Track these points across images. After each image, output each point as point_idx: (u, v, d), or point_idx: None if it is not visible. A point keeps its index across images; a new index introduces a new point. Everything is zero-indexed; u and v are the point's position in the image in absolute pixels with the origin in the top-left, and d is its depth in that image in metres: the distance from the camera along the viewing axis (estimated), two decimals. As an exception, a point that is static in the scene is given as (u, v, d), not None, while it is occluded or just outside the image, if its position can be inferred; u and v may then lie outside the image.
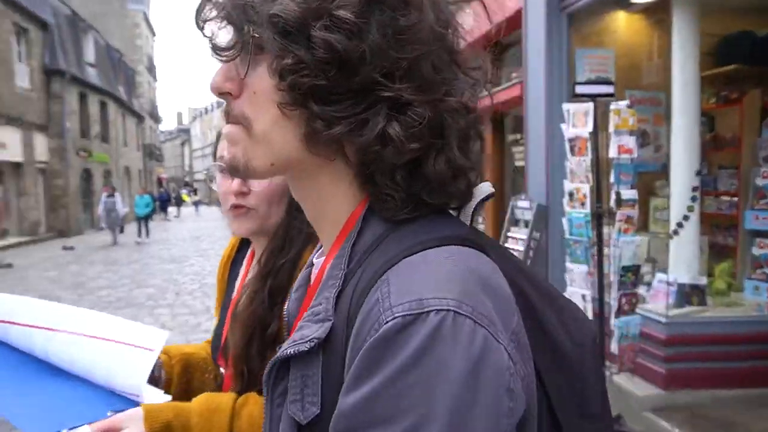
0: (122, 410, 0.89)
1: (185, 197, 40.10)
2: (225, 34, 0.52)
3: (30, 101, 17.64)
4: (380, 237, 0.52)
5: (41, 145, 18.40)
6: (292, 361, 0.51)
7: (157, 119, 42.52)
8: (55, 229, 18.77)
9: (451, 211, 0.57)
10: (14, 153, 16.56)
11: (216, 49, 0.52)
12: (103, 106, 24.19)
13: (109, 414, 0.89)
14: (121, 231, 16.53)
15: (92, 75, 22.77)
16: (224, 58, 0.52)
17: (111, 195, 15.57)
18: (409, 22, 0.50)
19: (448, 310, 0.43)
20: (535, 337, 0.52)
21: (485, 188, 0.58)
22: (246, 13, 0.50)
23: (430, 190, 0.52)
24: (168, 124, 65.96)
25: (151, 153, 36.52)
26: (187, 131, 74.67)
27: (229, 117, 0.54)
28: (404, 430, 0.41)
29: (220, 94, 0.54)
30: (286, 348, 0.51)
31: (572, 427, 0.53)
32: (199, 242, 16.12)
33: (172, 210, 31.31)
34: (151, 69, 40.05)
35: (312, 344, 0.49)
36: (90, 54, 22.95)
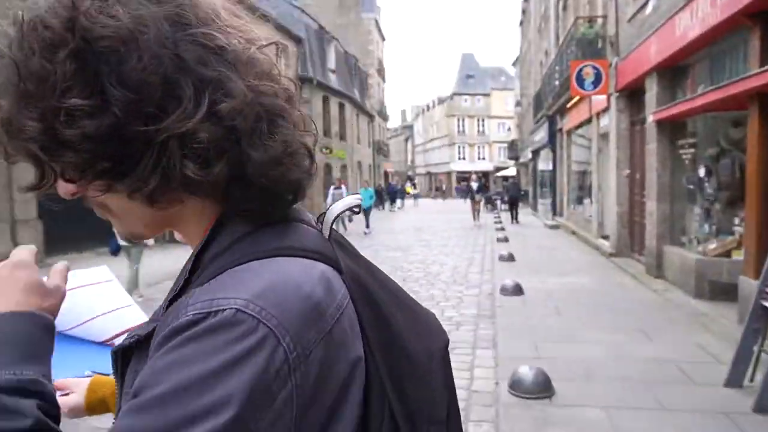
0: (100, 373, 0.88)
1: (409, 189, 42.76)
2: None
3: (287, 106, 20.73)
4: (224, 248, 0.54)
5: (294, 143, 21.50)
6: (132, 356, 0.55)
7: (385, 117, 46.08)
8: (303, 216, 21.84)
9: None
10: (275, 151, 19.71)
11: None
12: (341, 107, 27.12)
13: (86, 374, 0.89)
14: (350, 220, 17.62)
15: (333, 80, 25.69)
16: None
17: (339, 187, 16.80)
18: (133, 65, 0.48)
19: (231, 309, 0.46)
20: (385, 348, 0.54)
21: (349, 201, 0.61)
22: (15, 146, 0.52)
23: (261, 204, 0.54)
24: (393, 121, 70.94)
25: (380, 149, 39.76)
26: (410, 128, 79.24)
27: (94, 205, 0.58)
28: (158, 401, 0.43)
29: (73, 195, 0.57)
30: (120, 342, 0.57)
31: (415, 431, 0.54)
32: (421, 233, 17.02)
33: (397, 202, 33.66)
34: (380, 71, 43.55)
35: (132, 340, 0.54)
36: (332, 61, 25.92)
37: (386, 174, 43.69)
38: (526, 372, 3.76)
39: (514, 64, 44.18)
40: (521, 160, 35.25)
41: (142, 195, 0.52)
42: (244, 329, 0.45)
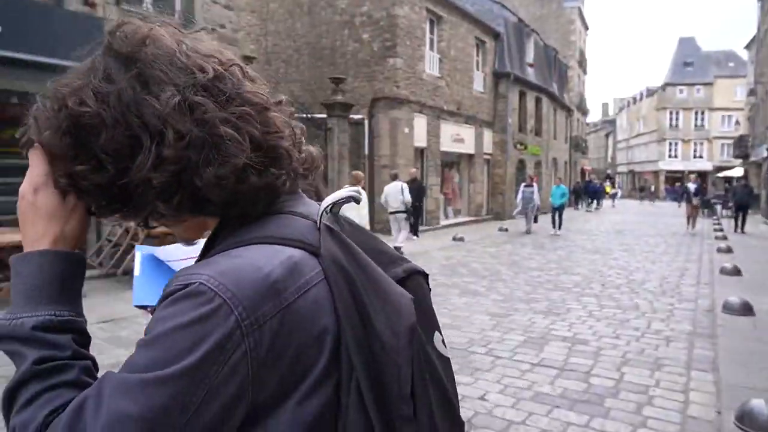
0: None
1: (608, 189, 39.61)
2: None
3: (482, 102, 20.71)
4: (221, 242, 0.68)
5: (488, 139, 21.42)
6: None
7: (584, 111, 43.20)
8: (493, 212, 21.66)
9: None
10: (469, 146, 19.90)
11: None
12: (537, 102, 26.18)
13: None
14: (535, 221, 16.62)
15: (531, 74, 24.90)
16: None
17: (529, 185, 16.02)
18: (107, 136, 0.63)
19: (197, 282, 0.59)
20: (354, 324, 0.62)
21: (343, 193, 0.68)
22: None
23: (244, 206, 0.67)
24: (594, 116, 66.20)
25: (577, 145, 37.46)
26: (612, 122, 73.17)
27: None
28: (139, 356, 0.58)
29: None
30: None
31: (384, 408, 0.61)
32: (622, 236, 15.67)
33: (595, 202, 31.45)
34: (581, 63, 40.89)
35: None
36: (530, 55, 25.13)
37: (583, 171, 40.99)
38: (761, 406, 3.24)
39: (747, 47, 37.79)
40: (752, 158, 30.10)
41: (158, 219, 0.70)
42: (203, 299, 0.57)
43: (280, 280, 0.60)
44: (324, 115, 13.49)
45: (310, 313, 0.61)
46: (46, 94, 0.67)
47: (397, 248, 9.09)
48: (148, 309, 1.09)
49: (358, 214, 8.71)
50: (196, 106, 0.63)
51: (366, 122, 14.52)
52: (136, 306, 1.14)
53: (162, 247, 1.26)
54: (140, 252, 1.27)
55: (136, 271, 1.28)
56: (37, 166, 0.68)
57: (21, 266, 0.68)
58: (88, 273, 3.33)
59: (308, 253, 0.65)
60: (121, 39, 0.66)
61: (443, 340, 0.74)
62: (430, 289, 0.77)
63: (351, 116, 13.88)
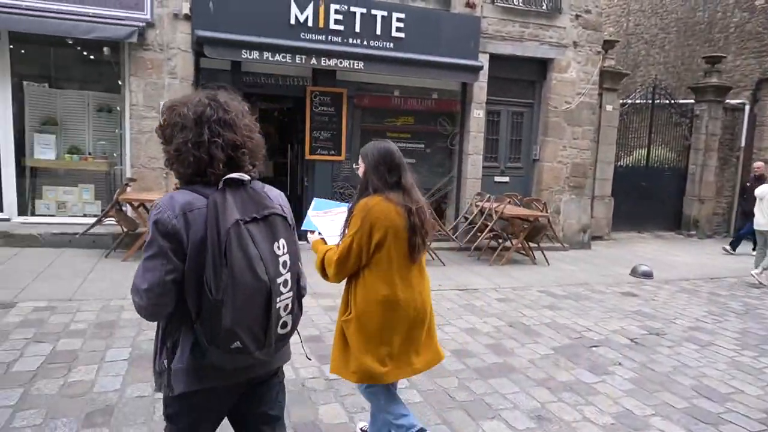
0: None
1: None
2: None
3: None
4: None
5: None
6: None
7: None
8: None
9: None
10: None
11: None
12: None
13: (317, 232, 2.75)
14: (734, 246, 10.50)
15: None
16: None
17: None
18: (175, 141, 1.68)
19: (157, 202, 1.66)
20: (212, 235, 1.57)
21: (235, 175, 1.65)
22: None
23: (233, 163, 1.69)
24: None
25: None
26: None
27: None
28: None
29: None
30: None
31: (214, 262, 1.56)
32: None
33: None
34: None
35: None
36: None
37: None
38: None
39: None
40: None
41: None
42: (155, 209, 1.62)
43: (181, 204, 1.62)
44: (690, 101, 11.92)
45: (193, 221, 1.60)
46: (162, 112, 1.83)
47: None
48: (309, 232, 2.73)
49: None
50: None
51: (746, 108, 12.19)
52: (303, 229, 2.51)
53: (321, 198, 2.91)
54: (315, 200, 2.89)
55: (309, 211, 2.79)
56: None
57: None
58: (445, 245, 6.27)
59: (203, 197, 1.64)
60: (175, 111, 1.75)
61: (281, 248, 1.68)
62: (290, 224, 1.76)
63: (727, 101, 11.86)
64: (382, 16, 7.84)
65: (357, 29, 7.75)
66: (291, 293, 1.69)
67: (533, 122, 9.48)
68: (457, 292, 6.23)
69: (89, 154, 7.75)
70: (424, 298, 2.59)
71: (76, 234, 6.92)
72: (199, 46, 7.15)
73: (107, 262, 6.47)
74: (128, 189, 7.01)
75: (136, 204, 6.76)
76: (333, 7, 7.62)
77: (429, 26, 8.11)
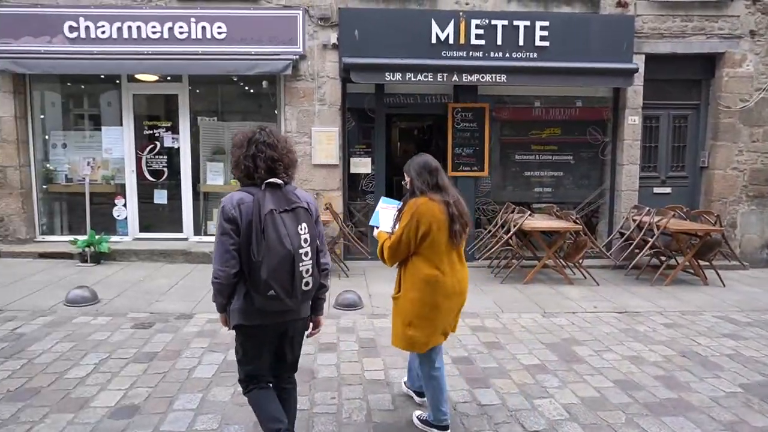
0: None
1: None
2: None
3: None
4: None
5: None
6: None
7: None
8: None
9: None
10: None
11: None
12: None
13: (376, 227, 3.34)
14: None
15: None
16: None
17: None
18: (235, 155, 2.57)
19: (223, 200, 2.52)
20: (254, 215, 2.40)
21: (272, 180, 2.47)
22: None
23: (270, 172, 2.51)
24: None
25: None
26: None
27: None
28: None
29: None
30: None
31: (258, 237, 2.37)
32: None
33: None
34: None
35: None
36: None
37: None
38: None
39: None
40: None
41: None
42: (222, 203, 2.48)
43: (239, 200, 2.44)
44: None
45: (246, 210, 2.40)
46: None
47: None
48: (375, 227, 3.26)
49: None
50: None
51: None
52: (370, 225, 3.39)
53: (387, 197, 3.43)
54: (381, 200, 3.39)
55: (378, 208, 3.32)
56: None
57: None
58: (597, 263, 5.84)
59: (252, 195, 2.44)
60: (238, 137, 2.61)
61: (303, 229, 2.43)
62: (311, 214, 2.52)
63: None
64: (525, 27, 7.60)
65: (499, 42, 7.60)
66: (311, 261, 2.47)
67: (699, 125, 8.48)
68: (616, 315, 5.72)
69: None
70: (461, 281, 3.09)
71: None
72: (345, 73, 7.52)
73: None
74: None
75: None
76: (474, 22, 7.56)
77: (575, 31, 7.69)
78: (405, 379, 3.71)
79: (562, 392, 3.80)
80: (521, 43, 7.62)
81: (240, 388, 2.76)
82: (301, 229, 2.43)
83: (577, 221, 7.10)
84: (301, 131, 7.88)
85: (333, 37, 7.68)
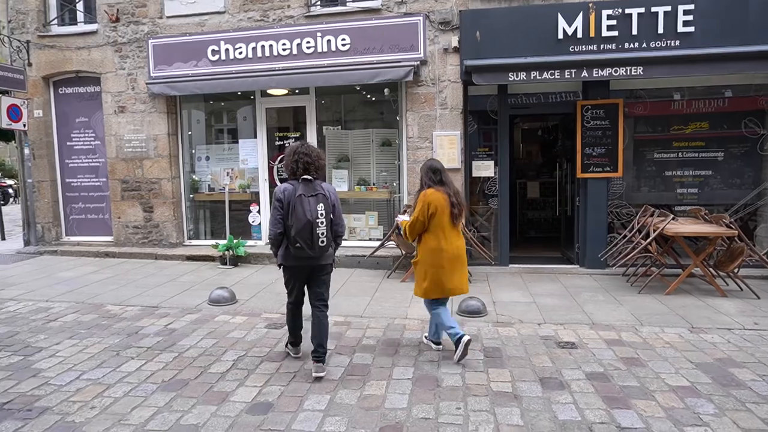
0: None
1: None
2: None
3: None
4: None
5: None
6: None
7: None
8: None
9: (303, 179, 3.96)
10: None
11: None
12: None
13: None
14: None
15: None
16: None
17: None
18: (285, 160, 4.15)
19: (276, 188, 4.13)
20: (292, 196, 3.88)
21: (306, 176, 3.92)
22: None
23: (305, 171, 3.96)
24: None
25: None
26: None
27: None
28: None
29: None
30: None
31: (291, 209, 3.88)
32: None
33: None
34: None
35: None
36: None
37: None
38: None
39: None
40: None
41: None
42: (276, 189, 4.05)
43: (287, 189, 3.94)
44: None
45: (289, 196, 3.89)
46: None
47: None
48: (398, 221, 4.99)
49: None
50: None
51: None
52: (397, 219, 5.76)
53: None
54: (398, 216, 5.54)
55: (398, 216, 5.69)
56: None
57: None
58: (756, 272, 5.87)
59: (292, 186, 3.94)
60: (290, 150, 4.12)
61: (321, 207, 3.88)
62: (326, 195, 3.94)
63: None
64: (665, 12, 6.93)
65: (634, 32, 7.01)
66: (325, 228, 3.89)
67: None
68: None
69: (373, 184, 8.70)
70: (458, 248, 4.36)
71: (364, 256, 7.78)
72: (467, 75, 7.40)
73: (388, 282, 7.08)
74: (406, 215, 7.58)
75: (412, 229, 7.27)
76: (605, 12, 7.05)
77: (727, 12, 6.85)
78: (426, 334, 4.81)
79: (720, 421, 3.34)
80: (660, 30, 6.96)
81: (366, 392, 2.74)
82: (319, 207, 3.88)
83: (732, 225, 6.28)
84: (422, 136, 7.89)
85: (454, 40, 7.60)
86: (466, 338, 4.22)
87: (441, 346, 4.57)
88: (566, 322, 5.33)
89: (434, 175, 4.34)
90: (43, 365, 4.37)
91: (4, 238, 11.68)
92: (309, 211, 3.80)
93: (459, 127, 7.76)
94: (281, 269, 4.13)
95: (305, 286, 4.20)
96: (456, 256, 4.30)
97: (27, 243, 9.71)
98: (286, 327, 4.46)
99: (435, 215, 4.23)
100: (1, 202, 13.14)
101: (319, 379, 3.98)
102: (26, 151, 9.49)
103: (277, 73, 8.06)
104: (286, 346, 4.54)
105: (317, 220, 3.83)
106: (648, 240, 6.35)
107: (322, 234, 3.87)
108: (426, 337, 4.75)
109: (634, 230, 6.93)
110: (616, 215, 7.90)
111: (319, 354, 4.03)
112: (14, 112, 9.06)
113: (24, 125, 9.24)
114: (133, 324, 5.44)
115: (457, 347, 4.26)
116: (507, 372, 4.10)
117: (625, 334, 4.96)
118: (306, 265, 4.01)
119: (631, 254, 6.47)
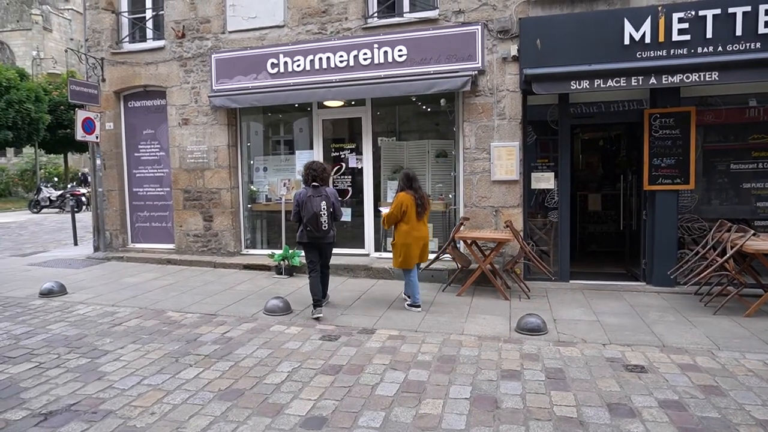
0: None
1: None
2: None
3: None
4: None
5: None
6: None
7: None
8: None
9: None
10: None
11: None
12: None
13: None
14: None
15: None
16: None
17: None
18: (303, 174, 6.17)
19: (296, 192, 6.31)
20: (306, 202, 5.85)
21: (314, 183, 5.95)
22: None
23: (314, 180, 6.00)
24: None
25: None
26: None
27: None
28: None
29: None
30: None
31: (303, 207, 5.92)
32: None
33: None
34: None
35: None
36: None
37: None
38: None
39: None
40: None
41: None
42: (294, 193, 6.58)
43: (302, 192, 5.99)
44: None
45: (302, 197, 5.91)
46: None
47: None
48: (381, 210, 7.52)
49: None
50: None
51: None
52: (379, 209, 8.26)
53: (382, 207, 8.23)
54: (381, 208, 8.10)
55: (381, 207, 8.26)
56: None
57: None
58: None
59: (306, 190, 5.97)
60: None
61: (323, 204, 5.85)
62: (327, 196, 5.91)
63: None
64: (744, 13, 6.51)
65: (708, 35, 6.61)
66: (327, 217, 5.85)
67: None
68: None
69: (429, 195, 8.56)
70: (422, 231, 6.21)
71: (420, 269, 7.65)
72: (526, 85, 7.19)
73: (444, 296, 6.93)
74: (462, 227, 7.43)
75: (469, 242, 7.09)
76: (676, 16, 6.70)
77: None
78: (404, 291, 6.59)
79: (817, 461, 3.01)
80: (738, 33, 6.53)
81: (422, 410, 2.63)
82: (322, 204, 5.79)
83: (820, 243, 5.76)
84: (479, 147, 7.73)
85: (513, 49, 7.42)
86: (416, 310, 6.21)
87: (419, 309, 6.24)
88: (634, 343, 5.02)
89: (408, 182, 6.18)
90: (108, 368, 4.50)
91: (76, 244, 12.32)
92: (315, 206, 5.79)
93: (518, 138, 7.55)
94: (301, 247, 6.14)
95: (318, 256, 6.08)
96: (420, 238, 6.16)
97: (96, 249, 10.20)
98: (310, 294, 6.05)
99: (406, 212, 6.08)
100: (76, 210, 13.88)
101: (318, 319, 5.87)
102: (98, 161, 10.00)
103: (334, 85, 8.12)
104: (313, 313, 5.95)
105: (321, 212, 5.80)
106: (725, 257, 5.91)
107: (325, 222, 5.83)
108: (404, 294, 6.61)
109: (708, 246, 6.48)
110: (687, 230, 7.44)
111: (319, 302, 5.96)
112: (88, 125, 9.57)
113: (97, 137, 9.74)
114: (192, 331, 5.55)
115: (404, 302, 6.43)
116: (571, 395, 3.88)
117: (700, 358, 4.61)
118: (315, 243, 5.98)
119: (706, 272, 6.05)
